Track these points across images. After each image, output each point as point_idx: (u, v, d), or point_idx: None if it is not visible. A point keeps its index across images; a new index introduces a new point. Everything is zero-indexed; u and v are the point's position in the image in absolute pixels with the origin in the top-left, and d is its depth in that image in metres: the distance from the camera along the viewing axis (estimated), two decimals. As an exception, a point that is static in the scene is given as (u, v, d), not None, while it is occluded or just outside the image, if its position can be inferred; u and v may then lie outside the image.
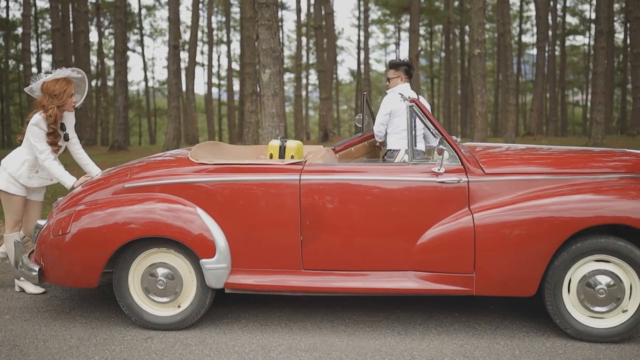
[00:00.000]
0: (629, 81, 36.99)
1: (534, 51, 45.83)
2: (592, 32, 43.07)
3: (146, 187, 4.40)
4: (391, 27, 46.41)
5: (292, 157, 4.97)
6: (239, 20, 39.49)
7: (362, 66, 40.05)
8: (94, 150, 23.48)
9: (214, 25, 40.18)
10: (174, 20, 18.92)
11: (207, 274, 4.19)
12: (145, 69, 40.97)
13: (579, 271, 4.03)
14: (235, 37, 42.28)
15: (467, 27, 40.15)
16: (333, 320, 4.47)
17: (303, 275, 4.23)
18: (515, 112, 20.21)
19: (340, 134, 44.34)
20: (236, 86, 40.12)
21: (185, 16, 40.29)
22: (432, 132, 4.28)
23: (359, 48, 43.28)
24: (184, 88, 30.90)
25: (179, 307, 4.34)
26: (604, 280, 3.98)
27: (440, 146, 4.09)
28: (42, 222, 4.68)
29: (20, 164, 4.99)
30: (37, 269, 4.39)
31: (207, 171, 4.34)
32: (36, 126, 4.86)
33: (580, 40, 47.19)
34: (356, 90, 45.26)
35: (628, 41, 37.00)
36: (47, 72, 5.01)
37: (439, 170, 4.16)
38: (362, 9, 40.30)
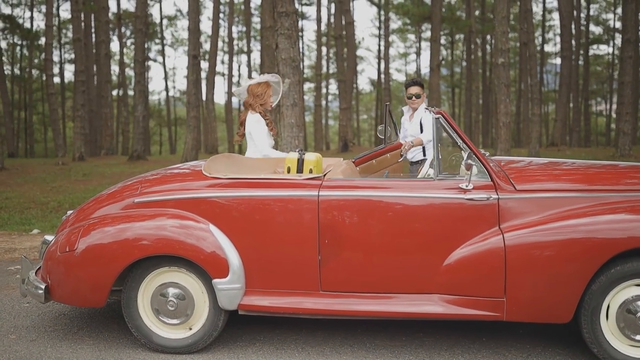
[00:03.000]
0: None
1: (556, 60, 45.40)
2: (617, 41, 42.58)
3: (157, 202, 4.19)
4: (411, 37, 46.18)
5: (311, 170, 4.73)
6: (259, 30, 39.59)
7: (382, 76, 39.83)
8: (113, 159, 23.50)
9: (235, 35, 40.23)
10: (194, 30, 18.85)
11: (220, 295, 3.97)
12: (166, 78, 41.19)
13: (618, 296, 3.75)
14: (256, 47, 42.28)
15: (488, 37, 39.83)
16: (353, 344, 4.21)
17: (321, 297, 3.98)
18: (539, 122, 19.82)
19: (360, 144, 44.07)
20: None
21: (206, 26, 40.21)
22: (459, 146, 4.02)
23: (379, 57, 43.08)
24: (203, 97, 30.86)
25: (191, 329, 4.12)
26: (646, 306, 3.69)
27: (469, 161, 3.83)
28: (49, 238, 4.49)
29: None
30: (43, 286, 4.19)
31: (221, 186, 4.12)
32: (259, 123, 5.35)
33: (603, 49, 46.54)
34: (376, 100, 45.02)
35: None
36: (249, 77, 5.66)
37: (467, 186, 3.90)
38: (382, 18, 40.12)
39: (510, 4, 13.95)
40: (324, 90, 42.96)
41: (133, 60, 22.34)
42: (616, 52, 42.76)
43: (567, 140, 32.72)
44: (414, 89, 6.53)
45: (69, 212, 4.72)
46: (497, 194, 3.89)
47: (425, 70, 47.96)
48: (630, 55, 16.94)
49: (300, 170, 4.76)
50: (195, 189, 4.16)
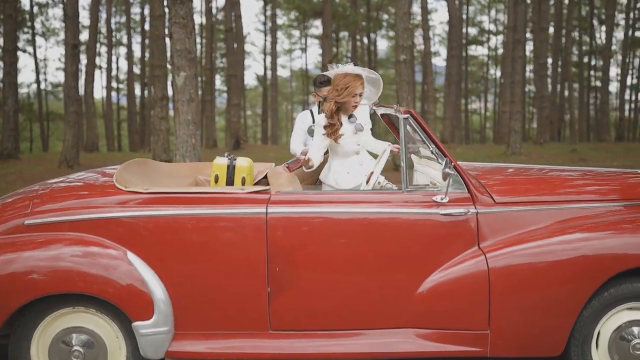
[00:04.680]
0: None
1: (434, 60, 46.77)
2: (491, 43, 44.50)
3: (57, 223, 3.26)
4: (296, 33, 45.86)
5: (244, 180, 3.97)
6: (139, 21, 37.57)
7: (268, 71, 39.22)
8: (-21, 158, 21.13)
9: (112, 26, 37.93)
10: (73, 16, 17.21)
11: (143, 341, 3.13)
12: (37, 70, 38.06)
13: (609, 323, 3.29)
14: (135, 39, 40.24)
15: (372, 35, 40.26)
16: (304, 389, 3.50)
17: (271, 337, 3.24)
18: (434, 120, 19.92)
19: (247, 140, 43.22)
20: (136, 90, 38.12)
21: (81, 16, 37.36)
22: (432, 152, 3.40)
23: (264, 53, 42.43)
24: (81, 91, 28.75)
25: (102, 384, 3.24)
26: (640, 332, 3.26)
27: (447, 169, 3.23)
28: None
29: None
30: None
31: (141, 202, 3.26)
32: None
33: (479, 50, 48.41)
34: (262, 96, 44.32)
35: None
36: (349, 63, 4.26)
37: (442, 199, 3.30)
38: (268, 13, 39.45)
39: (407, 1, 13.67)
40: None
41: (1, 49, 20.19)
42: (490, 53, 44.76)
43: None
44: (328, 90, 5.26)
45: None
46: (476, 208, 3.32)
47: (310, 66, 47.89)
48: (520, 55, 17.35)
49: (230, 179, 3.98)
50: (107, 206, 3.27)
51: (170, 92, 15.54)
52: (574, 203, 3.42)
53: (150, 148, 18.06)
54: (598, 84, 36.04)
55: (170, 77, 12.70)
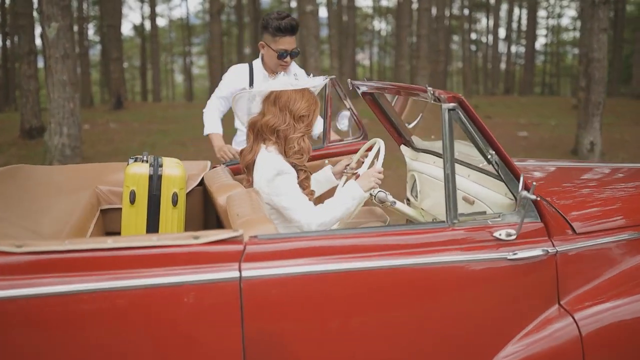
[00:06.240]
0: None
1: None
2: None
3: None
4: (177, -21, 43.06)
5: (175, 197, 2.60)
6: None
7: (146, 21, 36.41)
8: None
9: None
10: None
11: None
12: None
13: None
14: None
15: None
16: None
17: None
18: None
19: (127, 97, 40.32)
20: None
21: None
22: (490, 161, 2.19)
23: (142, 1, 39.48)
24: None
25: None
26: None
27: (526, 193, 2.04)
28: None
29: None
30: None
31: (14, 271, 1.80)
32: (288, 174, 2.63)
33: (362, 2, 47.75)
34: (141, 48, 41.36)
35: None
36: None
37: (510, 236, 2.11)
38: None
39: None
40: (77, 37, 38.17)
41: None
42: (375, 4, 44.17)
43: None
44: (291, 41, 3.46)
45: None
46: (554, 246, 2.18)
47: (190, 16, 45.26)
48: (426, 8, 16.46)
49: (154, 197, 2.61)
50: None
51: (39, 44, 13.37)
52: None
53: (16, 106, 15.73)
54: (482, 38, 36.49)
55: (38, 29, 10.67)
